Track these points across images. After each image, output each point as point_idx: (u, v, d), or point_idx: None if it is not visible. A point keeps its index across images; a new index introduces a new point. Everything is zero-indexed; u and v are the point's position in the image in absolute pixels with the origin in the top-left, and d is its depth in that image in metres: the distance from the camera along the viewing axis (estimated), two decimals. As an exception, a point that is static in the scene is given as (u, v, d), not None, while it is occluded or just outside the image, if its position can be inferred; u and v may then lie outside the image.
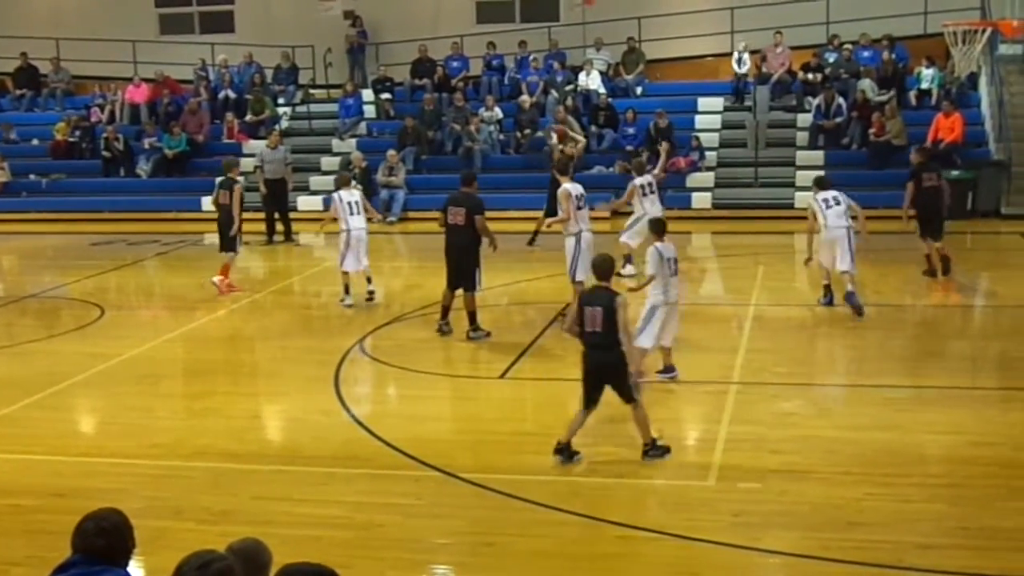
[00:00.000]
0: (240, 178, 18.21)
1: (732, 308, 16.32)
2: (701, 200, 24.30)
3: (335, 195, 17.07)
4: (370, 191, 24.96)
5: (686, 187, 24.53)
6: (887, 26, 26.24)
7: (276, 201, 22.60)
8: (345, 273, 16.58)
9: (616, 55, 28.20)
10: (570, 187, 14.89)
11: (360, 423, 11.25)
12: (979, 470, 9.67)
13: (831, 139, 24.97)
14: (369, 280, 16.71)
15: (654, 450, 10.00)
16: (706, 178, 24.92)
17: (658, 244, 12.02)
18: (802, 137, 25.52)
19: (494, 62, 28.53)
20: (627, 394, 9.88)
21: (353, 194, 16.81)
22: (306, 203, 25.37)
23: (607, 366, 9.79)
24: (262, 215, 22.53)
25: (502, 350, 13.86)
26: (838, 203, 15.12)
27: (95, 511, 5.08)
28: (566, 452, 9.98)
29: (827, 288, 15.23)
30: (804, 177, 24.36)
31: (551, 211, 18.64)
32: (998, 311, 15.99)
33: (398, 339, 14.74)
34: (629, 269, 17.15)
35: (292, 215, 23.06)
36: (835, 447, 10.21)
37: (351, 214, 16.56)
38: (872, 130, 24.30)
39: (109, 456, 10.58)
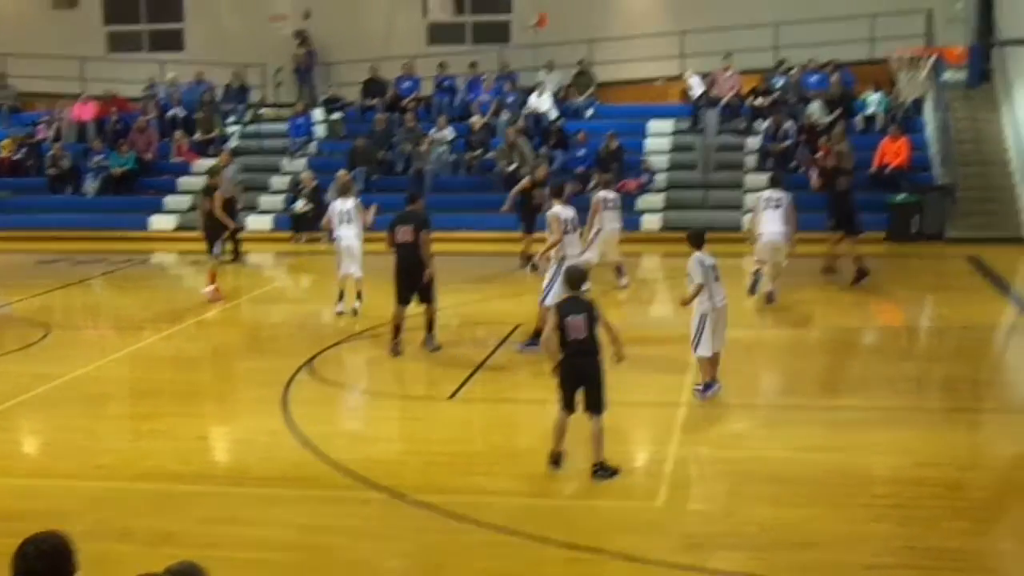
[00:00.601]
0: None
1: (680, 330, 16.34)
2: (650, 222, 24.43)
3: (331, 204, 17.22)
4: (321, 211, 24.90)
5: (635, 209, 24.63)
6: (834, 52, 26.55)
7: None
8: (341, 280, 16.95)
9: (567, 77, 28.33)
10: (560, 210, 14.82)
11: (308, 444, 11.16)
12: (925, 491, 9.75)
13: (779, 163, 25.18)
14: (359, 296, 16.59)
15: (603, 471, 10.01)
16: (655, 200, 25.06)
17: (697, 254, 12.22)
18: (751, 160, 25.73)
19: (445, 83, 28.56)
20: (598, 404, 10.03)
21: (347, 203, 16.81)
22: (255, 222, 25.24)
23: (589, 371, 10.00)
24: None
25: (452, 371, 13.82)
26: (777, 206, 15.69)
27: (36, 534, 5.00)
28: (559, 460, 10.17)
29: (756, 274, 16.31)
30: (753, 200, 24.52)
31: (528, 230, 19.00)
32: (943, 332, 16.16)
33: (347, 359, 14.68)
34: (624, 281, 17.89)
35: (241, 234, 22.90)
36: (784, 468, 10.26)
37: (341, 223, 16.71)
38: (819, 154, 24.52)
39: (53, 477, 10.43)
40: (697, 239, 12.42)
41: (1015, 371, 14.70)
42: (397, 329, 14.55)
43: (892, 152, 23.92)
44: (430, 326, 14.63)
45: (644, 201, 25.02)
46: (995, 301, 17.71)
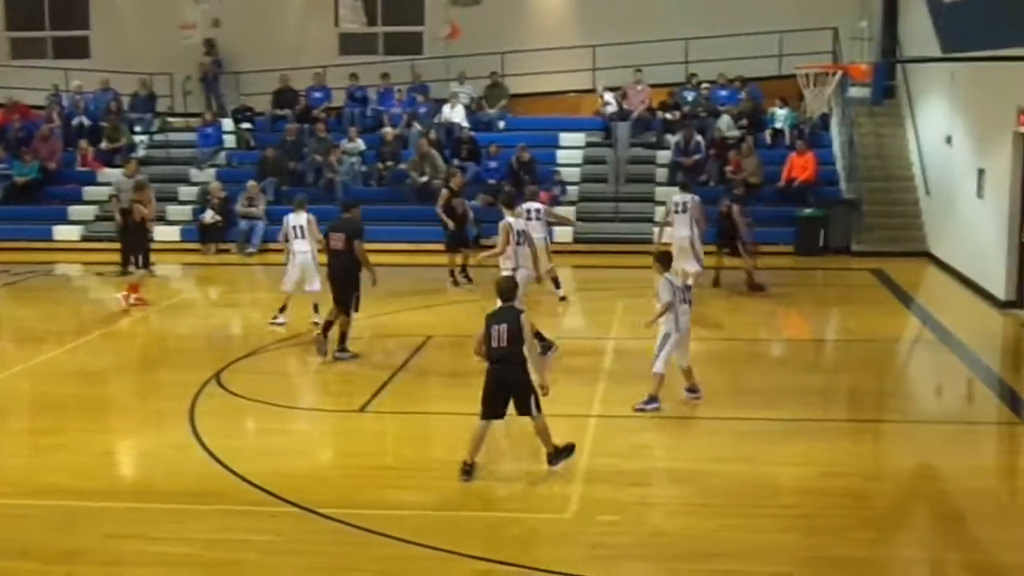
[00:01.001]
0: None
1: (592, 341, 16.45)
2: (562, 234, 24.49)
3: (285, 218, 17.02)
4: (229, 222, 24.66)
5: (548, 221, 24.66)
6: (743, 67, 26.92)
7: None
8: (284, 293, 16.71)
9: (479, 89, 28.36)
10: (512, 221, 14.81)
11: (215, 458, 11.00)
12: (831, 501, 9.89)
13: (689, 176, 25.42)
14: (315, 308, 16.42)
15: (558, 456, 10.35)
16: (567, 212, 25.14)
17: (667, 275, 12.41)
18: (661, 173, 25.95)
19: (357, 94, 28.41)
20: (527, 408, 10.26)
21: (300, 217, 16.61)
22: (163, 233, 24.88)
23: (512, 379, 10.24)
24: (118, 245, 22.01)
25: (363, 383, 13.73)
26: (684, 211, 15.96)
27: None
28: (471, 471, 10.25)
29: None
30: (663, 213, 24.76)
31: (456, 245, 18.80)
32: (848, 345, 16.42)
33: (256, 372, 14.50)
34: (561, 292, 18.23)
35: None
36: (693, 479, 10.34)
37: (295, 237, 16.57)
38: (729, 167, 24.85)
39: (-50, 494, 10.17)
40: (665, 261, 12.68)
41: (918, 383, 14.99)
42: (328, 325, 14.85)
43: (800, 167, 24.30)
44: (342, 338, 14.74)
45: (556, 213, 25.06)
46: (899, 314, 18.05)
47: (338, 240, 14.71)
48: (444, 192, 20.61)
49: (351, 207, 15.37)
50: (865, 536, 9.12)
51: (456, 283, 20.01)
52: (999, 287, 17.83)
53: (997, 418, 13.00)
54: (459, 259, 20.26)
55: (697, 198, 17.84)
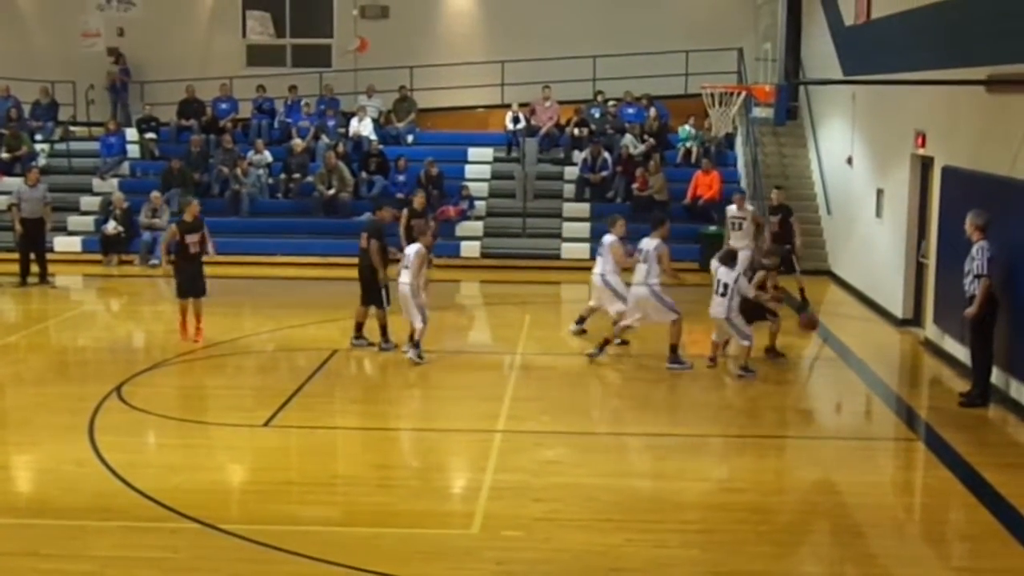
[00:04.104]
0: None
1: (498, 356, 16.48)
2: (470, 249, 24.55)
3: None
4: (132, 233, 24.30)
5: (455, 236, 24.73)
6: (650, 85, 27.23)
7: (32, 241, 21.63)
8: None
9: (388, 103, 28.32)
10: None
11: (115, 473, 10.82)
12: (730, 515, 10.02)
13: (597, 193, 25.65)
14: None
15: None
16: (475, 227, 25.21)
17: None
18: (569, 189, 26.12)
19: (264, 105, 28.21)
20: None
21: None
22: (64, 244, 24.46)
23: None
24: (16, 255, 21.61)
25: (267, 398, 13.60)
26: (600, 254, 16.08)
27: None
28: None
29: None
30: (570, 229, 25.00)
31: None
32: (751, 362, 16.60)
33: (158, 386, 14.29)
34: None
35: (49, 256, 22.14)
36: (596, 494, 10.41)
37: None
38: (635, 185, 25.09)
39: None
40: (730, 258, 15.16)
41: (818, 399, 15.24)
42: (359, 326, 16.06)
43: (705, 185, 24.63)
44: (383, 331, 15.83)
45: (464, 228, 25.14)
46: (800, 331, 18.30)
47: (364, 239, 15.81)
48: (404, 212, 19.57)
49: (380, 208, 16.90)
50: (761, 551, 9.26)
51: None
52: (897, 305, 18.21)
53: (894, 434, 13.28)
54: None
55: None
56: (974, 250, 13.33)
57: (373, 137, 26.93)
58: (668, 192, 24.80)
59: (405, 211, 19.62)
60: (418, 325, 15.10)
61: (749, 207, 20.25)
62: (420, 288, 15.16)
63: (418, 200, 19.94)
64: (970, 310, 13.28)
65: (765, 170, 25.22)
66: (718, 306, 15.09)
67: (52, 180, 25.39)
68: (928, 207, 17.22)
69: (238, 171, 25.62)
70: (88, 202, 26.12)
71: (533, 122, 27.09)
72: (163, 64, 29.20)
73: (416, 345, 15.19)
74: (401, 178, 25.65)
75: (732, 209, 20.20)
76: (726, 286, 15.04)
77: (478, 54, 28.67)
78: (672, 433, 12.67)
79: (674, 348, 15.30)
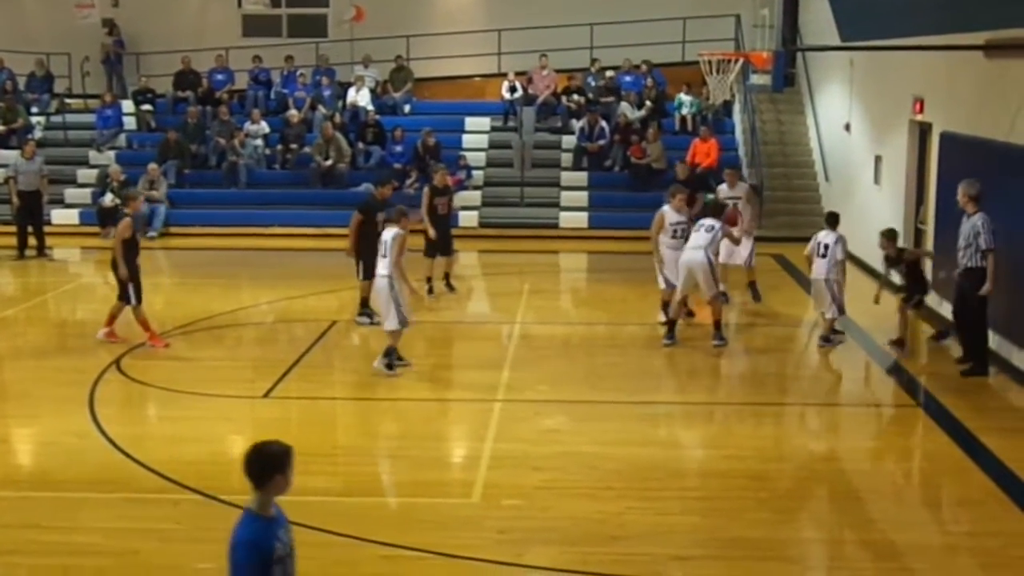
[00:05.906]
0: None
1: (497, 326, 16.49)
2: (468, 219, 24.50)
3: None
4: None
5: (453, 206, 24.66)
6: (647, 53, 27.08)
7: (30, 214, 21.63)
8: None
9: (384, 72, 28.21)
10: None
11: (116, 445, 10.84)
12: (730, 483, 10.05)
13: (594, 161, 25.58)
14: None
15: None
16: (473, 197, 25.15)
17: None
18: (567, 158, 26.05)
19: (260, 76, 28.10)
20: None
21: None
22: (61, 216, 24.41)
23: None
24: (14, 228, 21.58)
25: (267, 369, 13.62)
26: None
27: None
28: None
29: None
30: (568, 197, 24.96)
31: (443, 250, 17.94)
32: (750, 329, 16.62)
33: (158, 358, 14.29)
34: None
35: (46, 229, 22.11)
36: (596, 463, 10.43)
37: None
38: (630, 152, 25.02)
39: None
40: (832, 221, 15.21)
41: (816, 366, 15.24)
42: (363, 301, 15.74)
43: (703, 153, 24.51)
44: (363, 302, 15.71)
45: (461, 198, 25.07)
46: (799, 299, 18.32)
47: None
48: (426, 191, 18.16)
49: (382, 184, 16.46)
50: (761, 517, 9.29)
51: (431, 291, 17.75)
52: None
53: (894, 401, 13.32)
54: (443, 266, 18.24)
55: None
56: (976, 222, 13.13)
57: (370, 107, 26.83)
58: (666, 160, 24.73)
59: (427, 189, 18.14)
60: (390, 327, 13.18)
61: (743, 184, 18.99)
62: (399, 279, 13.06)
63: (439, 177, 18.15)
64: (987, 287, 13.05)
65: (763, 137, 25.18)
66: (820, 267, 14.95)
67: (48, 153, 25.31)
68: (926, 173, 17.18)
69: (235, 142, 25.54)
70: (85, 174, 26.04)
71: (530, 91, 26.99)
72: (158, 35, 29.05)
73: (387, 354, 13.27)
74: (398, 148, 25.57)
75: (723, 189, 18.35)
76: (826, 247, 14.96)
77: (475, 23, 28.53)
78: (672, 401, 12.69)
79: (717, 324, 14.95)
